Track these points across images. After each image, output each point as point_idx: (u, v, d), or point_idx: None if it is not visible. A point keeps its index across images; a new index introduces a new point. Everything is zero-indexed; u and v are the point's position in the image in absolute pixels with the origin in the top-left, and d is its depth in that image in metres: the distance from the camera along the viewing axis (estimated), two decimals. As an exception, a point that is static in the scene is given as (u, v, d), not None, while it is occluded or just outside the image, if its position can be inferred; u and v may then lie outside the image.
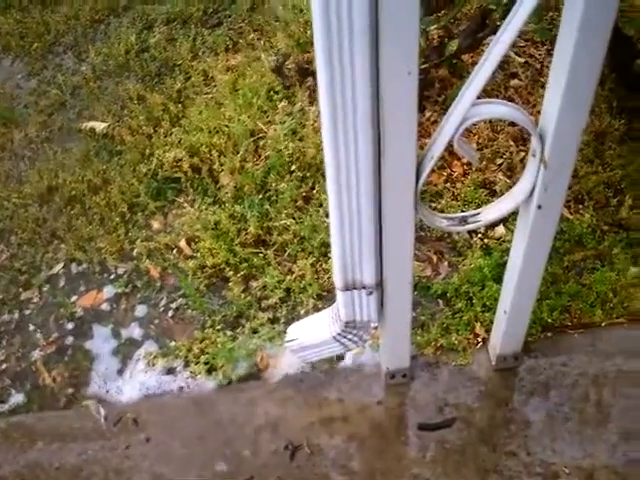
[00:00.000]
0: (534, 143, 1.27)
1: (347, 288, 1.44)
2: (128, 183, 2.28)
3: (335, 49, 0.98)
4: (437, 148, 1.23)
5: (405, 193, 1.27)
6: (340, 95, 1.06)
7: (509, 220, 2.01)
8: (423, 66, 2.10)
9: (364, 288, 1.45)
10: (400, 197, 1.27)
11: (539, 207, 1.36)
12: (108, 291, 2.09)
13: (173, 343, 1.93)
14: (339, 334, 1.55)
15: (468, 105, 1.19)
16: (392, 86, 1.07)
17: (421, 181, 1.26)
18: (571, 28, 1.04)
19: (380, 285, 1.46)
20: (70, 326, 2.02)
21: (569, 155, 1.27)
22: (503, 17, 1.13)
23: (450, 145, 1.22)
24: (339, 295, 1.47)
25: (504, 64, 2.48)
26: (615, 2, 1.00)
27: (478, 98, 1.18)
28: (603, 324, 1.88)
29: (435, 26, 2.01)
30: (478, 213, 1.41)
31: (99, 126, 2.49)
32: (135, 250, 2.16)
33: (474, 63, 2.33)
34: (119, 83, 2.65)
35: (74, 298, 2.08)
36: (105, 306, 2.05)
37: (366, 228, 1.30)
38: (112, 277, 2.12)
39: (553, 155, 1.26)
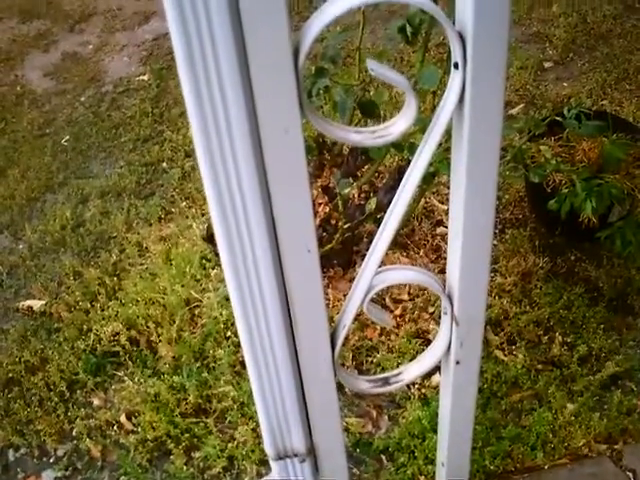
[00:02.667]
0: (443, 302, 1.31)
1: (279, 456, 1.43)
2: (66, 361, 2.27)
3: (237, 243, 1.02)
4: (347, 317, 1.25)
5: (322, 362, 1.28)
6: (245, 276, 1.09)
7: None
8: (347, 225, 2.16)
9: (296, 456, 1.44)
10: (318, 365, 1.29)
11: (457, 362, 1.38)
12: (47, 476, 2.05)
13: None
14: (278, 504, 1.53)
15: (373, 273, 1.23)
16: (295, 263, 1.11)
17: (337, 349, 1.28)
18: (459, 182, 1.08)
19: (312, 451, 1.46)
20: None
21: (478, 311, 1.31)
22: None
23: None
24: (272, 464, 1.46)
25: (429, 213, 2.58)
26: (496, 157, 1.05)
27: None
28: (546, 466, 1.88)
29: (352, 189, 2.09)
30: (400, 372, 1.43)
31: (36, 304, 2.50)
32: (75, 429, 2.13)
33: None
34: (55, 259, 2.68)
35: (12, 487, 2.03)
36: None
37: (288, 394, 1.31)
38: (52, 460, 2.08)
39: (462, 312, 1.30)
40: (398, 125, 0.93)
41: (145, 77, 3.58)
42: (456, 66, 0.88)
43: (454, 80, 0.90)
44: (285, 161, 0.87)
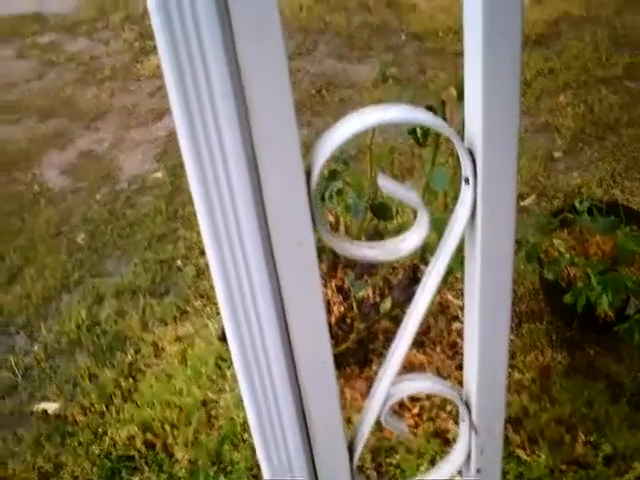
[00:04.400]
0: (462, 410, 1.29)
1: None
2: (81, 467, 2.25)
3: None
4: (365, 428, 1.24)
5: (341, 470, 1.26)
6: (260, 383, 1.08)
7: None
8: (362, 325, 2.16)
9: None
10: (337, 473, 1.27)
11: (478, 471, 1.35)
12: None
13: None
14: None
15: (389, 383, 1.21)
16: (310, 375, 1.09)
17: (355, 460, 1.26)
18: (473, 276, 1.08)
19: None
20: None
21: (497, 419, 1.29)
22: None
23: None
24: None
25: (445, 309, 2.57)
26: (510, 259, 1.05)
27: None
28: None
29: (366, 291, 2.09)
30: (419, 483, 1.41)
31: (51, 407, 2.49)
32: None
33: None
34: (71, 360, 2.67)
35: None
36: None
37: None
38: None
39: (481, 421, 1.28)
40: (410, 241, 0.94)
41: (159, 174, 3.64)
42: (467, 181, 0.89)
43: (465, 194, 0.90)
44: (298, 271, 0.87)
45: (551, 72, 4.00)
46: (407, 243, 0.95)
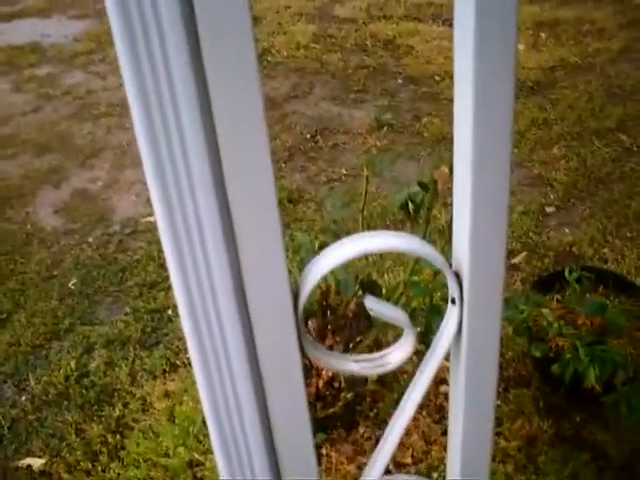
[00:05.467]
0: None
1: None
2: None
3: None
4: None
5: None
6: (234, 445, 1.08)
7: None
8: (349, 395, 2.16)
9: None
10: None
11: None
12: None
13: None
14: None
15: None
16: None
17: None
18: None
19: None
20: None
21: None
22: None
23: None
24: None
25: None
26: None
27: None
28: None
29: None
30: None
31: (36, 463, 2.48)
32: None
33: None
34: (58, 413, 2.66)
35: None
36: None
37: None
38: None
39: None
40: (395, 355, 0.95)
41: (152, 218, 3.64)
42: (453, 301, 0.91)
43: (451, 313, 0.92)
44: (284, 386, 0.87)
45: (545, 122, 4.04)
46: (392, 357, 0.96)
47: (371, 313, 0.92)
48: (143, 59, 0.60)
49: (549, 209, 3.39)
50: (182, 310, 0.76)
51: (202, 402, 0.87)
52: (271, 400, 0.87)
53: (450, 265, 0.87)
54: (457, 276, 0.88)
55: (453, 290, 0.88)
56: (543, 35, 5.06)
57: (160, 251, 3.26)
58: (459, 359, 0.97)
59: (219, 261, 0.72)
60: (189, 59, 0.61)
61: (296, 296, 0.82)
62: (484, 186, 0.79)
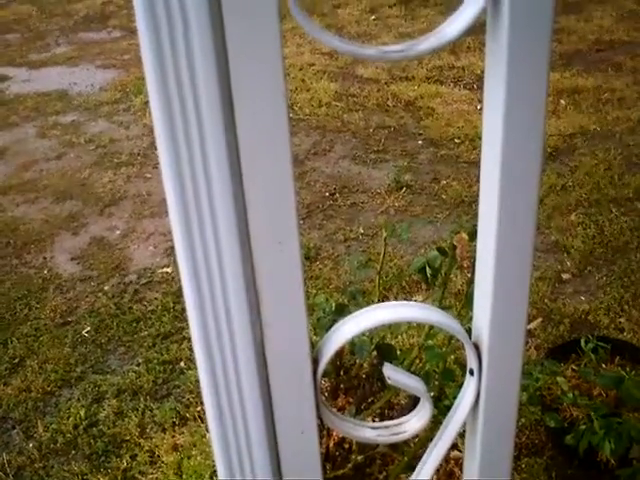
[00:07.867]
0: None
1: None
2: None
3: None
4: None
5: None
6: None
7: None
8: (360, 457, 2.14)
9: None
10: None
11: None
12: None
13: None
14: None
15: None
16: None
17: None
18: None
19: None
20: None
21: None
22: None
23: None
24: None
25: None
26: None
27: None
28: None
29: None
30: None
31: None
32: None
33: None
34: (65, 462, 2.65)
35: None
36: None
37: None
38: None
39: None
40: (411, 424, 0.94)
41: (169, 269, 3.66)
42: (471, 372, 0.90)
43: (469, 384, 0.91)
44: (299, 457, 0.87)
45: (563, 189, 4.05)
46: (408, 426, 0.95)
47: (388, 381, 0.91)
48: (174, 100, 0.61)
49: (565, 276, 3.39)
50: (200, 366, 0.76)
51: (215, 459, 0.87)
52: (285, 461, 0.87)
53: (469, 335, 0.87)
54: (476, 347, 0.88)
55: (472, 361, 0.88)
56: (563, 102, 5.10)
57: (175, 302, 3.28)
58: (475, 430, 0.96)
59: (241, 321, 0.72)
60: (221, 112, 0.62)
61: (315, 362, 0.82)
62: (507, 256, 0.79)
